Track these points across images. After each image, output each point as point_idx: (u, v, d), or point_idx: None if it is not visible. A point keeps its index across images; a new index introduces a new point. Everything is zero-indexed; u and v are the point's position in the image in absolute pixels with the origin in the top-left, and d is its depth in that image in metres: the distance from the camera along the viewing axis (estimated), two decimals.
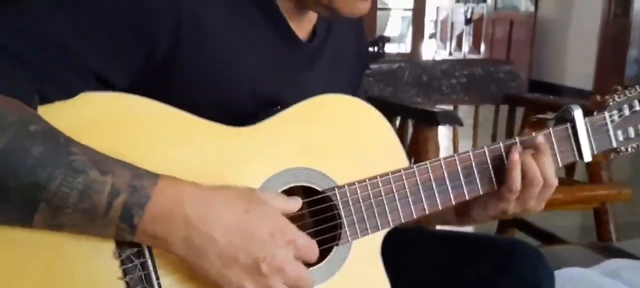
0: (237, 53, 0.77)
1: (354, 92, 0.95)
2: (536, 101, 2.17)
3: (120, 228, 0.64)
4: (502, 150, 0.87)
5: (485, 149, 0.87)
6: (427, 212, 0.85)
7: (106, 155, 0.64)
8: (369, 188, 0.81)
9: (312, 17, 0.87)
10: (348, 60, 0.97)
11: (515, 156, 0.85)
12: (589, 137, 0.92)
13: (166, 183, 0.66)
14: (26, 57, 0.64)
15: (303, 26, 0.86)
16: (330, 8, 0.80)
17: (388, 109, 1.88)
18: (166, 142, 0.71)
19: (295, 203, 0.75)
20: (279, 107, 0.79)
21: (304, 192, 0.80)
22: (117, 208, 0.63)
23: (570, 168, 1.97)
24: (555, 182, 0.87)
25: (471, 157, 0.87)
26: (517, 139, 0.88)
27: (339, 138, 0.82)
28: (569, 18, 6.37)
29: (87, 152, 0.63)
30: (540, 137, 0.87)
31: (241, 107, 0.77)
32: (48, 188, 0.61)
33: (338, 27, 0.92)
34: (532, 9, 6.56)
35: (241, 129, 0.75)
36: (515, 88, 2.24)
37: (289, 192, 0.78)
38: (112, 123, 0.69)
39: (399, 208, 0.83)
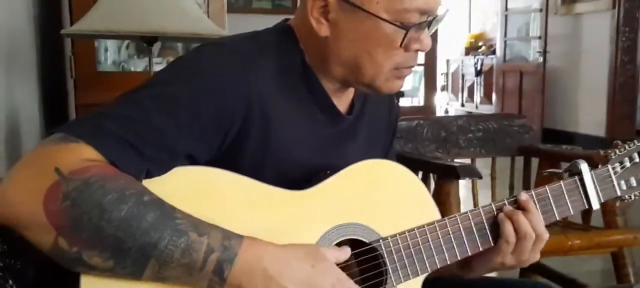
0: (294, 132, 0.92)
1: (386, 154, 1.10)
2: (549, 152, 2.23)
3: (213, 280, 0.77)
4: (494, 209, 0.99)
5: (480, 209, 0.99)
6: (458, 258, 0.97)
7: (201, 220, 0.77)
8: (409, 239, 0.94)
9: (350, 93, 1.02)
10: (381, 127, 1.11)
11: (501, 215, 0.98)
12: (595, 187, 1.04)
13: (250, 242, 0.79)
14: (135, 144, 0.78)
15: (343, 101, 1.01)
16: (372, 88, 0.95)
17: (411, 164, 1.98)
18: (240, 207, 0.85)
19: (345, 253, 0.88)
20: (328, 171, 0.93)
21: (352, 244, 0.92)
22: (211, 263, 0.76)
23: (586, 215, 2.05)
24: (546, 234, 0.98)
25: (481, 212, 0.99)
26: (506, 200, 1.00)
27: (380, 196, 0.95)
28: (577, 67, 6.49)
29: (188, 217, 0.77)
30: (523, 195, 1.00)
31: (296, 174, 0.92)
32: (158, 246, 0.73)
33: (372, 100, 1.07)
34: (540, 59, 6.69)
35: (298, 192, 0.89)
36: (529, 140, 2.32)
37: (340, 245, 0.90)
38: (198, 192, 0.83)
39: (435, 255, 0.95)
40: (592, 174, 1.04)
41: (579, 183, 1.04)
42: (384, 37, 0.89)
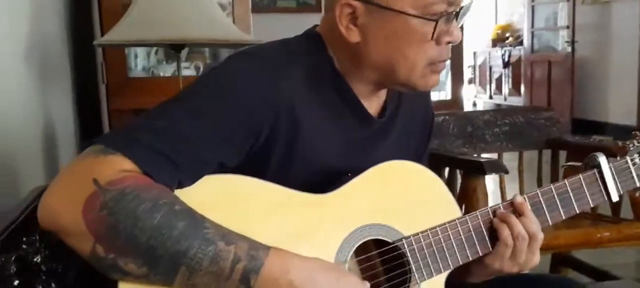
0: (322, 137, 0.95)
1: (420, 157, 1.11)
2: (577, 144, 2.22)
3: None
4: (490, 213, 1.00)
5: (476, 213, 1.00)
6: (480, 254, 0.99)
7: (230, 229, 0.81)
8: (431, 237, 0.96)
9: (382, 95, 1.04)
10: (415, 131, 1.12)
11: (496, 220, 0.99)
12: (614, 179, 1.05)
13: (276, 253, 0.82)
14: (169, 155, 0.81)
15: (374, 104, 1.03)
16: (408, 86, 0.96)
17: (437, 161, 2.00)
18: (265, 212, 0.88)
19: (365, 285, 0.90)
20: (350, 174, 0.95)
21: (376, 244, 0.96)
22: (237, 272, 0.79)
23: (616, 207, 2.04)
24: (540, 235, 0.98)
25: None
26: (500, 204, 1.01)
27: (402, 196, 0.97)
28: (606, 56, 6.39)
29: (216, 226, 0.80)
30: (518, 198, 1.00)
31: (321, 178, 0.94)
32: (188, 254, 0.77)
33: (407, 102, 1.08)
34: (569, 49, 6.60)
35: (322, 196, 0.92)
36: (557, 132, 2.30)
37: (363, 245, 0.94)
38: (225, 200, 0.86)
39: (457, 252, 0.97)
40: (610, 166, 1.05)
41: (598, 175, 1.05)
42: (414, 33, 0.91)
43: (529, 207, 1.00)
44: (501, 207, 1.00)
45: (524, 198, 1.01)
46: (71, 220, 0.76)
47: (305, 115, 0.92)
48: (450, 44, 0.95)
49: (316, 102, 0.94)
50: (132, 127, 0.84)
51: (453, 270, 0.99)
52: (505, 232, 0.97)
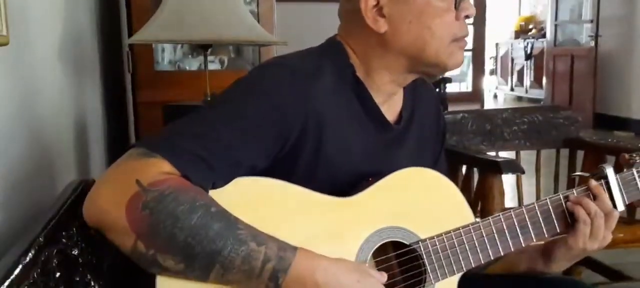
0: (346, 143, 1.01)
1: (436, 161, 1.18)
2: (594, 144, 2.23)
3: (268, 286, 0.86)
4: (562, 199, 1.08)
5: (548, 199, 1.08)
6: (491, 258, 1.04)
7: (261, 231, 0.87)
8: (446, 241, 1.02)
9: (398, 104, 1.10)
10: (429, 135, 1.18)
11: (573, 200, 1.07)
12: (620, 190, 1.10)
13: (303, 255, 0.88)
14: (206, 159, 0.88)
15: (392, 111, 1.09)
16: (438, 65, 1.03)
17: (455, 159, 2.03)
18: (291, 214, 0.94)
19: (383, 277, 0.96)
20: (371, 179, 1.01)
21: (394, 245, 1.01)
22: (267, 271, 0.85)
23: (631, 210, 2.06)
24: (616, 212, 1.07)
25: (535, 207, 1.08)
26: (575, 190, 1.08)
27: (420, 202, 1.03)
28: (630, 51, 6.32)
29: (248, 228, 0.86)
30: (592, 182, 1.08)
31: (344, 182, 1.00)
32: (222, 253, 0.83)
33: (420, 108, 1.14)
34: (592, 43, 6.55)
35: (344, 199, 0.98)
36: (575, 132, 2.31)
37: (382, 246, 0.99)
38: (254, 201, 0.92)
39: (469, 255, 1.03)
40: (617, 178, 1.10)
41: (605, 187, 1.09)
42: (437, 7, 0.98)
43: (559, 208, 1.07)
44: (512, 213, 1.06)
45: (546, 200, 1.07)
46: (115, 218, 0.83)
47: (331, 121, 0.98)
48: (468, 19, 1.01)
49: (340, 109, 1.00)
50: (172, 132, 0.91)
51: (520, 261, 1.09)
52: (581, 212, 1.05)
